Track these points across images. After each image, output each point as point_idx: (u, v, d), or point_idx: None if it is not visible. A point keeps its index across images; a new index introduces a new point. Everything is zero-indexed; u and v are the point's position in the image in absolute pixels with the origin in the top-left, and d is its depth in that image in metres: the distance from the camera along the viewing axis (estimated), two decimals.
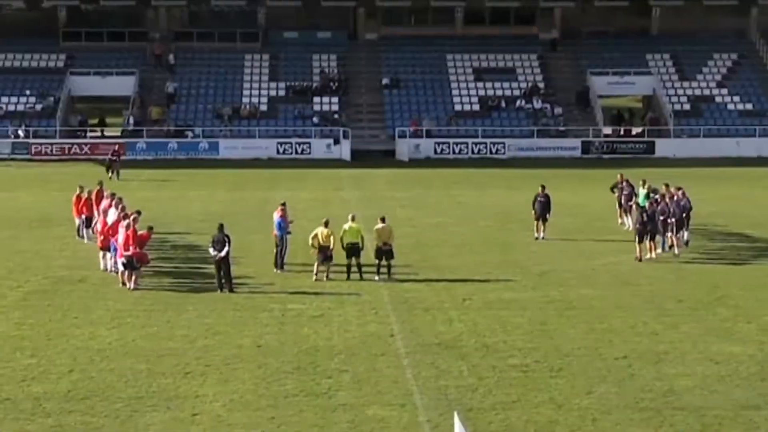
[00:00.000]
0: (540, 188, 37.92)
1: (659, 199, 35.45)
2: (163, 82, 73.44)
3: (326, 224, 30.73)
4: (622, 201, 40.00)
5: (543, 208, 37.41)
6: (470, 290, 29.33)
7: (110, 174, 55.06)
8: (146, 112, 70.36)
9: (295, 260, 32.78)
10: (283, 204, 32.98)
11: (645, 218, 33.55)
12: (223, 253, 28.93)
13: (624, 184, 40.27)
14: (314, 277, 30.51)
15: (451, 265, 33.06)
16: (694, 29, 79.71)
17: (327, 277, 30.46)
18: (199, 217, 42.72)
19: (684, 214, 35.73)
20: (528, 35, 79.64)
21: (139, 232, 29.99)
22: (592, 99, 72.50)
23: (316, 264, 30.65)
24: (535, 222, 37.83)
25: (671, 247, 35.01)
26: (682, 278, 31.08)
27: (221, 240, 29.05)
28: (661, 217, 34.31)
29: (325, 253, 30.35)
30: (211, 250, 29.43)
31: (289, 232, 32.05)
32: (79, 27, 78.01)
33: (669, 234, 34.54)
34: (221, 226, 29.56)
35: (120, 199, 34.86)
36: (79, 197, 37.35)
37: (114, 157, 56.77)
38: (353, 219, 31.09)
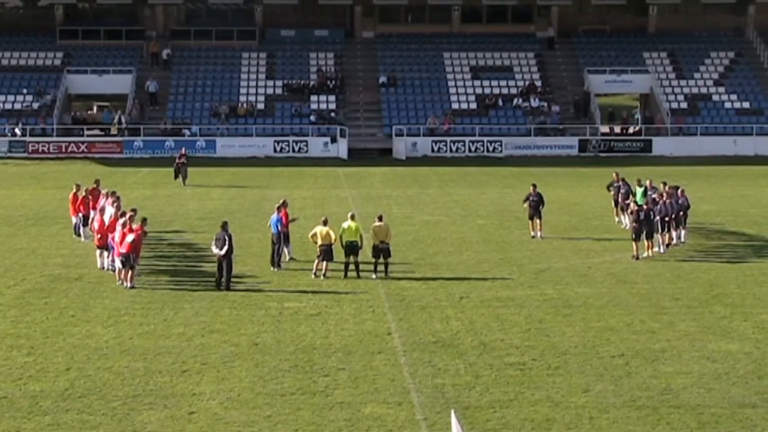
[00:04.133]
0: (531, 187, 37.91)
1: (657, 198, 35.47)
2: (161, 81, 73.43)
3: (325, 222, 30.70)
4: (619, 199, 40.02)
5: (536, 206, 37.43)
6: (467, 288, 29.32)
7: (178, 179, 53.56)
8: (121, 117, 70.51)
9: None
10: (281, 204, 32.80)
11: (642, 216, 33.54)
12: (222, 251, 28.91)
13: (620, 182, 40.31)
14: (313, 275, 30.51)
15: (448, 263, 33.06)
16: (691, 27, 79.90)
17: (324, 275, 30.44)
18: (195, 215, 42.72)
19: (681, 213, 35.77)
20: (525, 33, 79.76)
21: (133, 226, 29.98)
22: (592, 103, 72.39)
23: (316, 262, 30.66)
24: (529, 221, 37.86)
25: (668, 245, 35.05)
26: (679, 276, 31.09)
27: (223, 238, 29.04)
28: (658, 217, 34.31)
29: (325, 251, 30.34)
30: (213, 248, 29.40)
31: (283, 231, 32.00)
32: (76, 25, 78.05)
33: (657, 234, 34.36)
34: (224, 224, 29.55)
35: (118, 197, 34.90)
36: (75, 195, 37.32)
37: (181, 161, 54.22)
38: (352, 217, 31.07)
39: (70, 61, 75.12)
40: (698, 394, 20.39)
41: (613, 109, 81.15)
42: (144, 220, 31.23)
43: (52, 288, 29.41)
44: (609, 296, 28.51)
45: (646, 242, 33.65)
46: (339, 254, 30.66)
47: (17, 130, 67.76)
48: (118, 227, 30.08)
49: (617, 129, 74.23)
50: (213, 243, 29.50)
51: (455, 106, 72.28)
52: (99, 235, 31.77)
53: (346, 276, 30.42)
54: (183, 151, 56.83)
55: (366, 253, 31.23)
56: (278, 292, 28.91)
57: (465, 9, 79.65)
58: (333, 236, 30.36)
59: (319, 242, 30.40)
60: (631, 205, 36.43)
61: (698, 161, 64.00)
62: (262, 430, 18.57)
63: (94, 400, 19.97)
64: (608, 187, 41.63)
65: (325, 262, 30.44)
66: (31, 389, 20.60)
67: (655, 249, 34.13)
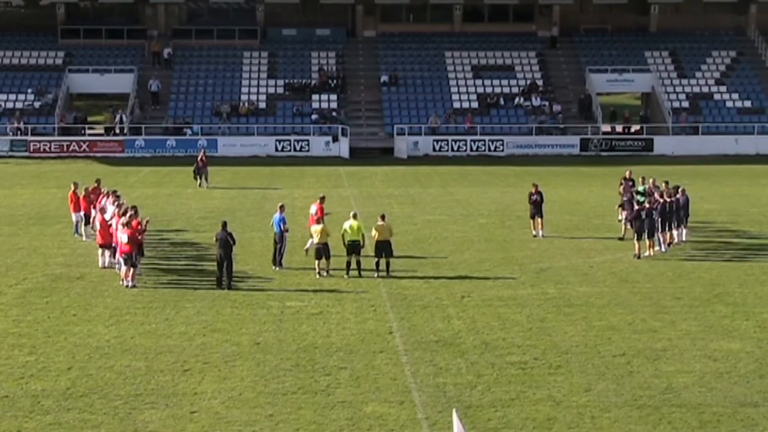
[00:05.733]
0: (533, 186, 37.91)
1: (658, 197, 35.45)
2: (162, 80, 73.44)
3: (319, 221, 30.77)
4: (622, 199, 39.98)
5: (537, 205, 37.43)
6: (469, 287, 29.33)
7: (198, 181, 52.80)
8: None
9: (294, 258, 32.81)
10: (319, 198, 33.80)
11: (643, 216, 33.53)
12: (234, 247, 28.99)
13: (624, 180, 40.25)
14: (317, 275, 30.52)
15: (450, 262, 33.06)
16: (693, 26, 79.88)
17: (327, 273, 30.45)
18: (197, 214, 42.73)
19: (682, 212, 35.74)
20: (527, 32, 79.73)
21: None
22: (593, 102, 72.30)
23: (317, 261, 30.69)
24: (531, 220, 37.85)
25: (669, 244, 35.05)
26: (681, 275, 31.09)
27: (224, 238, 29.06)
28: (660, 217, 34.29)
29: (322, 250, 30.35)
30: (217, 248, 29.40)
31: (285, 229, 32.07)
32: (77, 24, 78.02)
33: (657, 234, 34.31)
34: (224, 224, 29.59)
35: (118, 196, 34.90)
36: (74, 194, 37.31)
37: (202, 161, 53.34)
38: (354, 217, 31.09)
39: (72, 60, 75.09)
40: (700, 393, 20.39)
41: (614, 108, 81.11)
42: (135, 210, 31.01)
43: (54, 287, 29.42)
44: (610, 295, 28.50)
45: (647, 241, 33.65)
46: (341, 252, 30.67)
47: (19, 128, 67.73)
48: (120, 226, 30.10)
49: (618, 128, 74.18)
50: (214, 243, 29.52)
51: (457, 105, 72.25)
52: (100, 234, 31.78)
53: (347, 275, 30.43)
54: (203, 151, 56.41)
55: (368, 253, 31.23)
56: (280, 291, 28.92)
57: (466, 8, 79.60)
58: (328, 233, 30.40)
59: (316, 241, 30.44)
60: (634, 204, 36.36)
61: (699, 160, 63.97)
62: (263, 429, 18.58)
63: (95, 399, 19.98)
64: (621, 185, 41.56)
65: (324, 260, 30.45)
66: (33, 388, 20.61)
67: (657, 248, 34.12)
